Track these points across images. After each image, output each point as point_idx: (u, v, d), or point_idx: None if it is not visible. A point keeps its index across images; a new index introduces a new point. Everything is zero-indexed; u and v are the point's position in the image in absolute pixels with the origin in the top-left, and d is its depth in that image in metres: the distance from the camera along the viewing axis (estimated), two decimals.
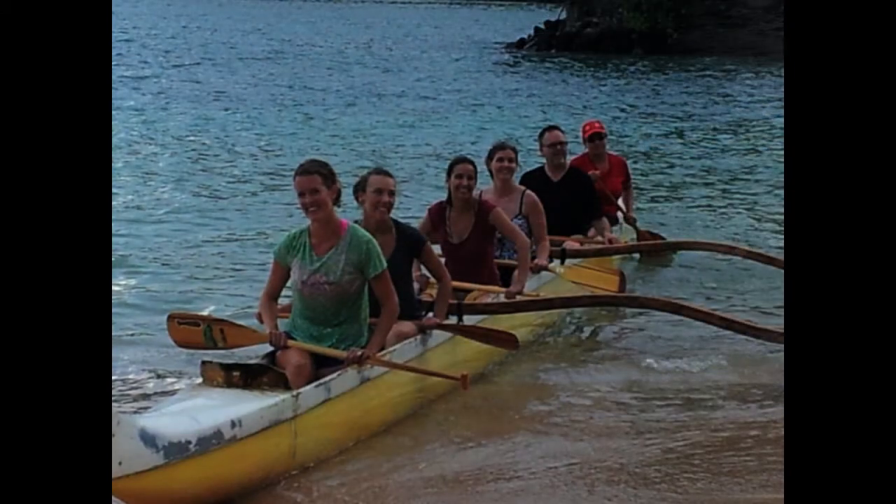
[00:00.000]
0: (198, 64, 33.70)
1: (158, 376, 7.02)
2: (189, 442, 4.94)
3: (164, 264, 10.22)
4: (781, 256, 9.39)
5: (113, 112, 21.38)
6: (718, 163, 17.67)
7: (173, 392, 6.24)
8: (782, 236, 11.80)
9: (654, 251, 10.42)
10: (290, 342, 5.95)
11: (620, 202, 10.32)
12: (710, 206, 13.97)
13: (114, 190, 13.60)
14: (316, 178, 5.89)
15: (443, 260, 7.27)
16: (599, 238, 9.33)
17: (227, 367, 5.60)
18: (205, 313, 7.42)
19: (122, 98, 23.64)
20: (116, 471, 4.60)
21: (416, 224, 7.45)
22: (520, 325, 7.45)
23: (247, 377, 5.56)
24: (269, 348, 6.02)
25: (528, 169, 9.58)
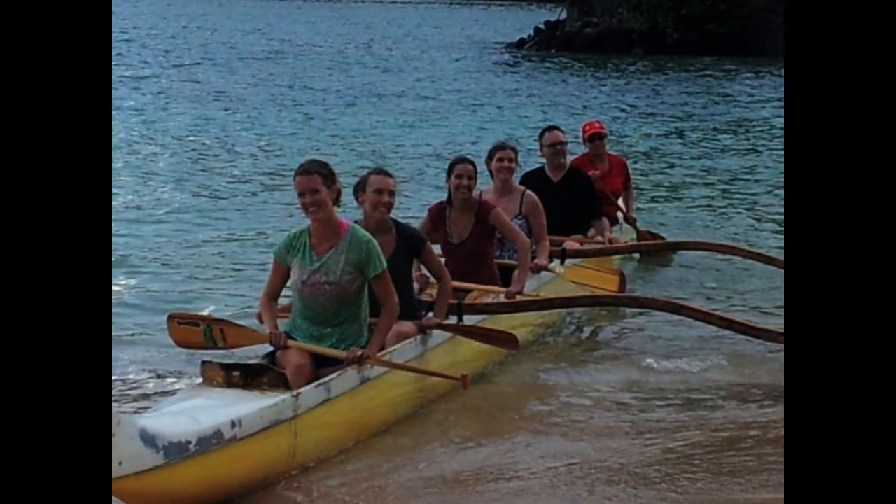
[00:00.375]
0: (198, 64, 33.71)
1: (158, 376, 7.02)
2: (189, 442, 4.94)
3: (164, 264, 10.23)
4: (781, 256, 9.39)
5: (113, 112, 21.39)
6: (718, 163, 17.68)
7: (173, 392, 6.24)
8: (782, 236, 11.80)
9: (654, 251, 10.42)
10: (290, 342, 5.95)
11: (620, 202, 10.32)
12: (710, 206, 13.98)
13: (114, 190, 13.59)
14: (316, 178, 5.89)
15: (443, 260, 7.27)
16: (599, 238, 9.33)
17: (227, 367, 5.60)
18: (205, 313, 7.42)
19: (123, 98, 23.66)
20: (116, 471, 4.60)
21: (416, 224, 7.45)
22: (520, 325, 7.46)
23: (247, 377, 5.55)
24: (269, 348, 6.02)
25: (529, 169, 9.60)
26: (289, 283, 6.18)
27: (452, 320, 6.92)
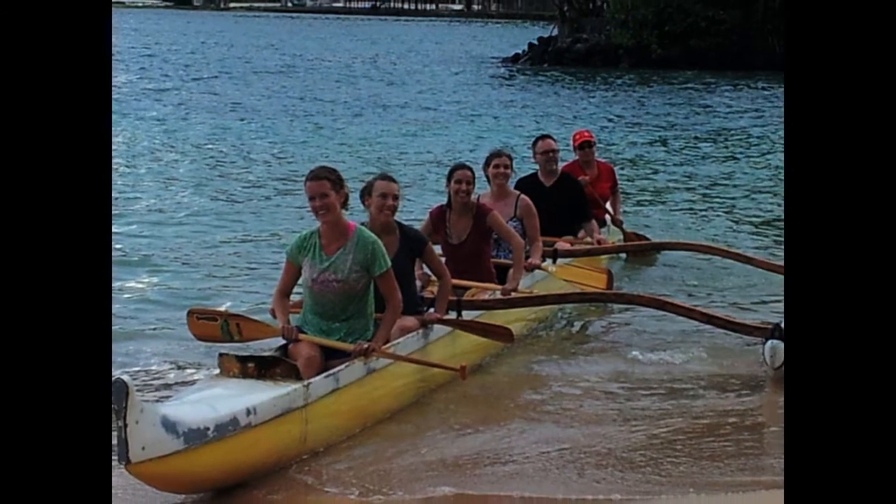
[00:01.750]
0: (215, 77, 33.72)
1: (179, 367, 7.03)
2: (207, 428, 4.94)
3: (184, 263, 10.23)
4: (758, 256, 9.49)
5: (136, 122, 21.50)
6: (699, 169, 17.65)
7: (193, 382, 6.23)
8: (758, 237, 11.86)
9: (640, 251, 10.41)
10: (301, 336, 5.95)
11: (608, 206, 10.31)
12: (691, 209, 13.96)
13: (138, 194, 13.72)
14: (325, 183, 5.89)
15: (443, 259, 7.27)
16: (589, 239, 9.32)
17: (243, 359, 5.60)
18: (222, 309, 7.40)
19: (145, 109, 23.71)
20: (140, 455, 4.61)
21: (418, 226, 7.45)
22: (515, 319, 7.45)
23: (261, 368, 5.55)
24: (281, 341, 6.02)
25: (523, 175, 9.58)
26: (300, 281, 6.18)
27: (452, 315, 6.91)
